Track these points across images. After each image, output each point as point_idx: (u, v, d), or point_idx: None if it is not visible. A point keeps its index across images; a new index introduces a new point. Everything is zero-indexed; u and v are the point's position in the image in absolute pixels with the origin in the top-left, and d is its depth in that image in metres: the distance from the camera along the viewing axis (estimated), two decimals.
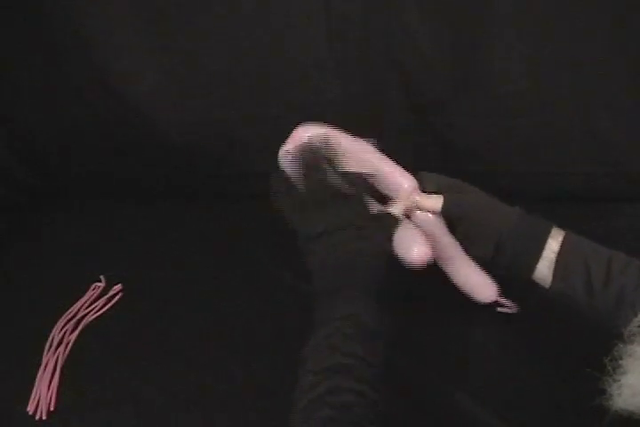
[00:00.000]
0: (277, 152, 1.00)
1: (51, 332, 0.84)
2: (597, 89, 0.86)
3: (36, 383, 0.77)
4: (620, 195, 0.94)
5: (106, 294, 0.90)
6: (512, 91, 0.87)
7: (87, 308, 0.88)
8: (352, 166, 0.60)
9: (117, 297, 0.90)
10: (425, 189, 0.63)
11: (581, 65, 0.83)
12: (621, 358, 0.48)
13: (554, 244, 0.58)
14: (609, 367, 0.48)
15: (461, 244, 0.64)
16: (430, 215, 0.63)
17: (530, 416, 0.69)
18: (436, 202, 0.62)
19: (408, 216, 0.63)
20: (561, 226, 0.63)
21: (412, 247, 0.58)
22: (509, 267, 0.61)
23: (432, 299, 0.84)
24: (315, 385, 0.51)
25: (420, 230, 0.61)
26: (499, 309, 0.66)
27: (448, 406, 0.69)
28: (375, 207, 0.61)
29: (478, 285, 0.64)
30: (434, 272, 0.88)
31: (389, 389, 0.71)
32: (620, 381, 0.47)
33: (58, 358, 0.80)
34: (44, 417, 0.74)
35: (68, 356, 0.81)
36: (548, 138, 0.92)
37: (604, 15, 0.78)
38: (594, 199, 0.94)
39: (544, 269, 0.59)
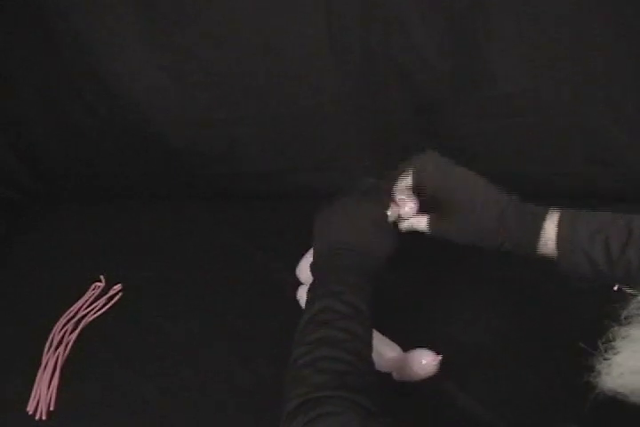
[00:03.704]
0: (277, 152, 1.01)
1: (51, 332, 0.84)
2: (597, 89, 0.86)
3: (36, 383, 0.77)
4: (619, 195, 0.94)
5: (106, 294, 0.90)
6: (512, 91, 0.87)
7: (87, 308, 0.88)
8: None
9: (117, 297, 0.90)
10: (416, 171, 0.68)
11: (581, 65, 0.84)
12: (615, 340, 0.48)
13: (551, 224, 0.59)
14: (601, 349, 0.48)
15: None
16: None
17: (528, 415, 0.69)
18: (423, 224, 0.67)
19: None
20: None
21: None
22: (515, 248, 0.62)
23: (431, 298, 0.85)
24: (305, 354, 0.55)
25: None
26: None
27: (448, 406, 0.69)
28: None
29: None
30: (433, 274, 0.88)
31: (389, 389, 0.71)
32: (609, 359, 0.48)
33: (58, 358, 0.80)
34: (43, 417, 0.74)
35: (68, 356, 0.81)
36: (548, 138, 0.92)
37: (604, 15, 0.78)
38: (594, 199, 0.94)
39: (546, 247, 0.60)
